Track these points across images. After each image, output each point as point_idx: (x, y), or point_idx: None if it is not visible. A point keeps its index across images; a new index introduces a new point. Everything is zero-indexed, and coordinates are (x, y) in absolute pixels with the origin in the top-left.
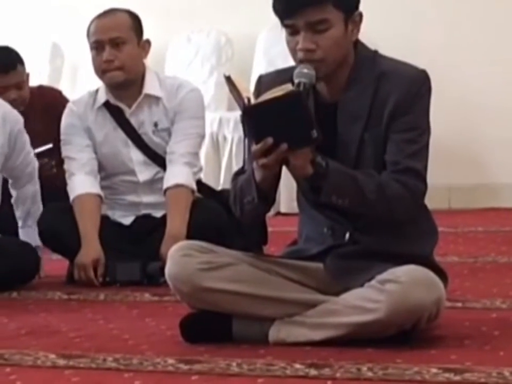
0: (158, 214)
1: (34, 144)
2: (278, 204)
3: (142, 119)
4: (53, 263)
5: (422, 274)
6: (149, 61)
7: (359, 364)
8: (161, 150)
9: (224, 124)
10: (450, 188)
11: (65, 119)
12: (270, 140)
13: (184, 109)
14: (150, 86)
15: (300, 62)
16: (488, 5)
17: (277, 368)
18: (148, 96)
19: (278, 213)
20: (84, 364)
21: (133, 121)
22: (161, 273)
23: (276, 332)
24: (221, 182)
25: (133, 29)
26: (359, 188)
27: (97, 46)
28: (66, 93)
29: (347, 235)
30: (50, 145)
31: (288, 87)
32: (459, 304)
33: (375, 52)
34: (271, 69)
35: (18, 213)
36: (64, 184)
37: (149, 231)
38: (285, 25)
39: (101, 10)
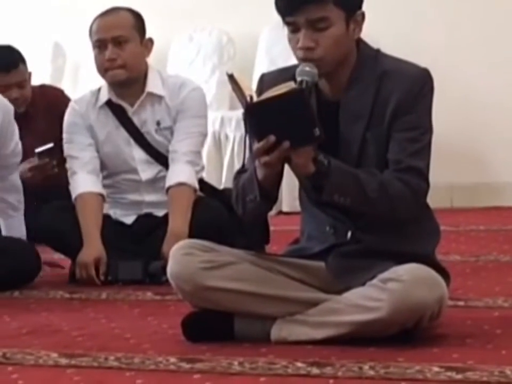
0: (159, 213)
1: (36, 144)
2: (280, 202)
3: (144, 117)
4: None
5: (424, 273)
6: (151, 60)
7: (361, 362)
8: (164, 148)
9: (226, 123)
10: (452, 186)
11: (68, 118)
12: (272, 138)
13: (186, 108)
14: (153, 85)
15: (300, 60)
16: (489, 4)
17: (278, 367)
18: (151, 94)
19: (280, 212)
20: (86, 363)
21: (135, 120)
22: (163, 272)
23: (278, 331)
24: (223, 181)
25: (135, 27)
26: (361, 186)
27: (99, 45)
28: (68, 92)
29: (349, 234)
30: (51, 145)
31: (290, 85)
32: (461, 303)
33: (378, 51)
34: (273, 67)
35: (4, 204)
36: (65, 183)
37: (151, 230)
38: (286, 23)
39: (103, 10)
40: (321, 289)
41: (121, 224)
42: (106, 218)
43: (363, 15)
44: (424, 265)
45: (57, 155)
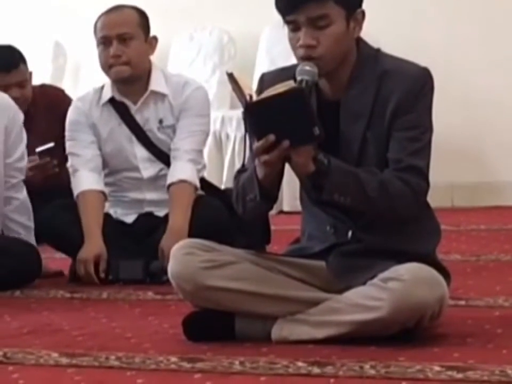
0: (160, 213)
1: (37, 143)
2: (280, 202)
3: (147, 115)
4: (55, 262)
5: (425, 272)
6: (152, 59)
7: (361, 362)
8: (166, 147)
9: (226, 122)
10: (453, 186)
11: (71, 116)
12: (271, 137)
13: (189, 107)
14: (156, 83)
15: (301, 58)
16: (489, 3)
17: (279, 367)
18: (154, 92)
19: (281, 212)
20: (87, 363)
21: (138, 117)
22: (163, 271)
23: (279, 330)
24: (224, 180)
25: (140, 25)
26: (361, 185)
27: (104, 41)
28: (69, 91)
29: (350, 233)
30: (52, 144)
31: (290, 84)
32: (462, 302)
33: (378, 50)
34: (274, 67)
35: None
36: (66, 183)
37: (151, 230)
38: (286, 22)
39: (103, 9)
40: (322, 289)
41: (122, 223)
42: (107, 217)
43: (363, 13)
44: (424, 265)
45: (58, 155)
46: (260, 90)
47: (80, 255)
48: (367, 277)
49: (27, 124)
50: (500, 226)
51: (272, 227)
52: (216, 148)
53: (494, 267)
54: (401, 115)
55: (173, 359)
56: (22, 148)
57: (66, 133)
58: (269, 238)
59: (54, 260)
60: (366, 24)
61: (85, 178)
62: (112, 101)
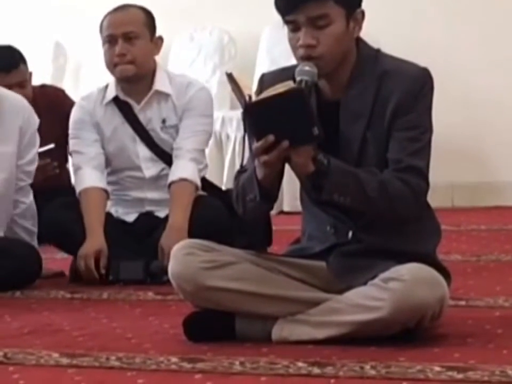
0: (161, 213)
1: None
2: (281, 202)
3: (150, 115)
4: (56, 263)
5: (425, 272)
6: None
7: (362, 362)
8: (168, 146)
9: (227, 123)
10: (453, 186)
11: (75, 114)
12: (271, 137)
13: (192, 107)
14: (160, 83)
15: (300, 58)
16: (489, 3)
17: (280, 367)
18: (158, 92)
19: (281, 212)
20: (87, 363)
21: (141, 117)
22: (164, 270)
23: (279, 330)
24: (224, 180)
25: (146, 24)
26: (361, 185)
27: (110, 40)
28: (69, 92)
29: (350, 233)
30: (52, 145)
31: (289, 84)
32: (462, 303)
33: (378, 51)
34: (274, 67)
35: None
36: (66, 184)
37: (152, 229)
38: (286, 22)
39: (104, 10)
40: (322, 289)
41: (123, 222)
42: (108, 216)
43: (363, 13)
44: (425, 265)
45: (58, 156)
46: (260, 90)
47: (81, 251)
48: (367, 277)
49: None
50: (500, 227)
51: (273, 227)
52: (216, 148)
53: (495, 267)
54: (401, 115)
55: (174, 359)
56: (33, 152)
57: (70, 131)
58: (270, 240)
59: (54, 260)
60: (365, 24)
61: (88, 176)
62: (116, 100)
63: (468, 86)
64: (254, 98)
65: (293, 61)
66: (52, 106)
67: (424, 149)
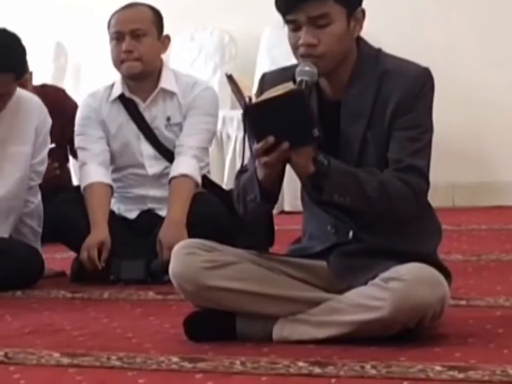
0: (162, 212)
1: None
2: (282, 202)
3: (155, 113)
4: (56, 262)
5: (426, 272)
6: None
7: (362, 362)
8: (172, 145)
9: (227, 123)
10: (454, 186)
11: (81, 111)
12: (271, 139)
13: (197, 105)
14: (166, 81)
15: (301, 57)
16: (490, 2)
17: (280, 366)
18: (163, 90)
19: (282, 212)
20: (88, 363)
21: (146, 115)
22: (165, 271)
23: (280, 330)
24: (225, 180)
25: (154, 22)
26: (361, 186)
27: (117, 36)
28: (70, 91)
29: (350, 233)
30: (53, 146)
31: (289, 85)
32: (463, 302)
33: (379, 50)
34: (275, 67)
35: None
36: (67, 183)
37: (153, 227)
38: (287, 21)
39: (105, 10)
40: (323, 289)
41: (124, 219)
42: (110, 214)
43: (363, 12)
44: (426, 265)
45: (59, 156)
46: (260, 90)
47: (85, 243)
48: (368, 277)
49: None
50: (500, 226)
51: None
52: (217, 148)
53: (495, 267)
54: (401, 115)
55: (174, 359)
56: (44, 152)
57: (76, 128)
58: (272, 240)
59: (55, 260)
60: (366, 24)
61: (93, 172)
62: (121, 97)
63: (469, 86)
64: (254, 99)
65: (293, 61)
66: (53, 106)
67: (424, 149)
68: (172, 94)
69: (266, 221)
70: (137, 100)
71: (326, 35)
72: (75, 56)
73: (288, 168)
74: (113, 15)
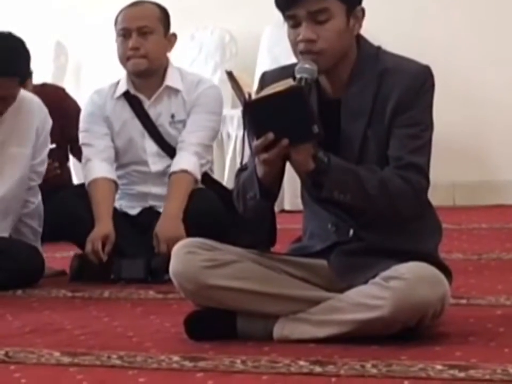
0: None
1: None
2: (282, 200)
3: (159, 110)
4: (56, 261)
5: (427, 271)
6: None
7: (363, 360)
8: (176, 142)
9: (228, 122)
10: (454, 184)
11: (86, 108)
12: (270, 135)
13: (201, 103)
14: (172, 79)
15: (300, 54)
16: (490, 0)
17: (281, 365)
18: (168, 88)
19: (283, 210)
20: (89, 362)
21: (151, 112)
22: (165, 269)
23: (280, 329)
24: (225, 178)
25: (161, 20)
26: (361, 183)
27: (124, 33)
28: (70, 91)
29: (351, 232)
30: (53, 145)
31: (289, 82)
32: (464, 301)
33: (379, 48)
34: (275, 66)
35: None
36: (67, 183)
37: (153, 224)
38: (286, 17)
39: (104, 9)
40: (324, 288)
41: (126, 215)
42: (113, 210)
43: (363, 10)
44: (426, 263)
45: (59, 156)
46: (260, 88)
47: (89, 236)
48: (368, 276)
49: None
50: (501, 225)
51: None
52: (217, 147)
53: (496, 266)
54: (401, 112)
55: (175, 358)
56: (45, 153)
57: (81, 125)
58: (274, 240)
59: (55, 259)
60: (366, 22)
61: (98, 167)
62: (126, 94)
63: (469, 85)
64: (254, 96)
65: (293, 60)
66: (53, 106)
67: (424, 146)
68: (176, 91)
69: (269, 220)
70: (142, 97)
71: (326, 31)
72: (75, 56)
73: (288, 166)
74: (120, 12)
